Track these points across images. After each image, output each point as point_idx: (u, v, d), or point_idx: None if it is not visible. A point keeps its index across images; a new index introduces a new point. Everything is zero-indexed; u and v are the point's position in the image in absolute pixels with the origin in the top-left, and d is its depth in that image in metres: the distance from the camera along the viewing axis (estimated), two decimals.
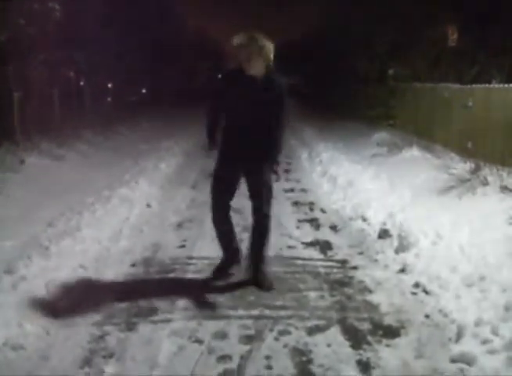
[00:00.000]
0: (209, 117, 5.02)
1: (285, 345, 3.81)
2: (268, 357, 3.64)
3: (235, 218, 7.19)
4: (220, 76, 5.12)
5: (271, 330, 4.03)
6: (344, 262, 5.52)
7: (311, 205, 7.98)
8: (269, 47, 4.65)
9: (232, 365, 3.55)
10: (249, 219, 7.14)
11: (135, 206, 7.58)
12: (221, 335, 3.96)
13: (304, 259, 5.62)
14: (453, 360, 3.55)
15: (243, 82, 4.68)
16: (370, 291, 4.76)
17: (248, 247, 5.10)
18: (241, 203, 8.03)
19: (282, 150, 4.86)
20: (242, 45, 4.61)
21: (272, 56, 4.68)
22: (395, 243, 5.74)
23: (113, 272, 5.22)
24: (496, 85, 9.85)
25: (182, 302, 4.52)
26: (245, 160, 4.79)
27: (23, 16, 11.48)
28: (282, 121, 4.76)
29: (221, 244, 5.13)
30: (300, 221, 7.09)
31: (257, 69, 4.64)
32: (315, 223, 7.01)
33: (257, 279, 4.90)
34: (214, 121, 5.00)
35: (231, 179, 4.90)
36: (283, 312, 4.34)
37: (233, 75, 4.81)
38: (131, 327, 4.10)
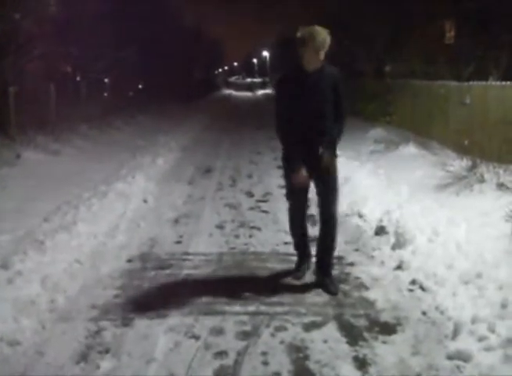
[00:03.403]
0: (282, 128, 4.85)
1: (281, 341, 3.81)
2: (264, 353, 3.64)
3: (231, 213, 7.24)
4: (281, 77, 5.07)
5: (267, 326, 4.03)
6: (340, 259, 5.51)
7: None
8: (328, 40, 4.62)
9: (229, 361, 3.54)
10: (246, 215, 7.18)
11: (131, 201, 7.56)
12: (218, 331, 3.95)
13: None
14: (449, 357, 3.55)
15: (302, 77, 4.68)
16: (367, 288, 4.76)
17: (316, 250, 5.06)
18: (237, 199, 8.03)
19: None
20: (306, 40, 4.57)
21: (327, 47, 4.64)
22: (392, 239, 5.73)
23: (110, 267, 5.21)
24: (493, 83, 9.86)
25: (178, 298, 4.51)
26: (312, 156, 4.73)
27: (19, 10, 11.44)
28: (342, 110, 4.80)
29: (296, 246, 5.21)
30: None
31: (315, 61, 4.63)
32: (311, 219, 6.96)
33: (325, 282, 4.82)
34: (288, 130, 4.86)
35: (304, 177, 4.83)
36: (279, 308, 4.33)
37: (292, 74, 4.80)
38: (127, 322, 4.09)
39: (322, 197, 4.91)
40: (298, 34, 4.64)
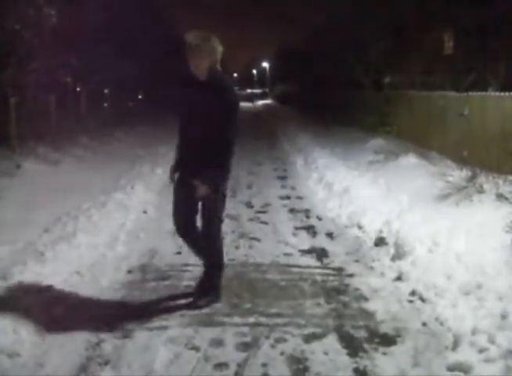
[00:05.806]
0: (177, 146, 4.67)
1: (282, 353, 3.80)
2: (264, 365, 3.63)
3: (231, 224, 7.23)
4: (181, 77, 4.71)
5: (267, 337, 4.02)
6: (340, 270, 5.51)
7: (307, 212, 7.97)
8: (211, 46, 4.31)
9: (229, 372, 3.54)
10: (245, 226, 7.17)
11: (131, 211, 7.56)
12: (218, 342, 3.94)
13: (300, 267, 5.61)
14: (450, 369, 3.54)
15: (192, 86, 4.40)
16: (366, 299, 4.75)
17: None
18: (237, 210, 8.04)
19: (225, 170, 4.42)
20: (186, 44, 4.31)
21: (216, 56, 4.35)
22: (392, 250, 5.74)
23: (110, 278, 5.20)
24: (492, 93, 9.89)
25: (178, 309, 4.51)
26: (191, 175, 4.43)
27: (19, 22, 11.48)
28: (225, 133, 4.30)
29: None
30: (296, 228, 7.08)
31: (198, 69, 4.33)
32: (311, 231, 6.99)
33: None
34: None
35: (184, 194, 4.55)
36: (279, 320, 4.32)
37: (187, 80, 4.49)
38: (127, 333, 4.08)
39: (201, 219, 4.72)
40: (186, 39, 4.32)
